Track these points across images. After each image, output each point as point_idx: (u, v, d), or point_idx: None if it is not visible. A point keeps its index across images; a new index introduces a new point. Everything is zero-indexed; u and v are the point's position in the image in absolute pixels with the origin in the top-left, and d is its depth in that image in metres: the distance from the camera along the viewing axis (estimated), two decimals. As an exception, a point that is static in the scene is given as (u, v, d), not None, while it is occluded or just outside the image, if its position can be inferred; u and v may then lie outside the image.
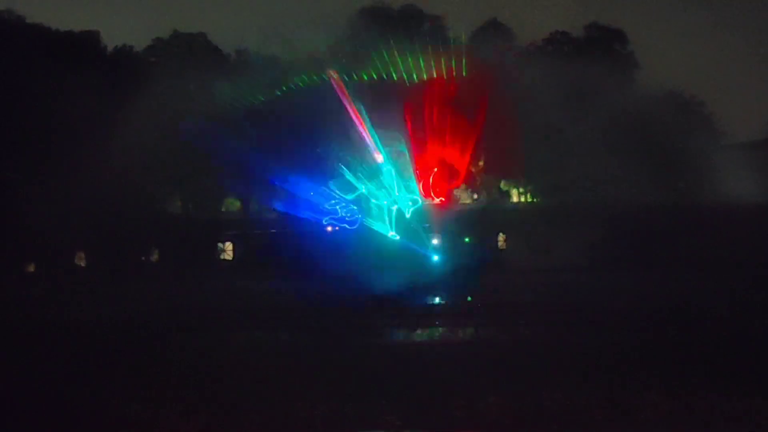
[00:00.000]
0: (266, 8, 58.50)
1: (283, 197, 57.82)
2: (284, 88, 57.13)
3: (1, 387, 19.17)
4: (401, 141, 54.79)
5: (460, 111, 56.63)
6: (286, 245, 54.76)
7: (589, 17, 65.64)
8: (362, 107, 53.59)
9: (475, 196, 63.66)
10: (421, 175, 56.51)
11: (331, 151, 54.94)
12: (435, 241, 55.80)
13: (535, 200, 64.09)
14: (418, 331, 29.80)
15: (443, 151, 57.45)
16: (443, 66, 57.28)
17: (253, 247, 59.43)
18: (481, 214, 60.01)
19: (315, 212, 55.88)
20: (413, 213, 55.68)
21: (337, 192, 55.23)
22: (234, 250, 61.59)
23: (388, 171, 55.28)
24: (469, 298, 40.68)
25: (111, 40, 62.50)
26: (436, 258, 54.90)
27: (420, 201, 55.57)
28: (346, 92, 54.38)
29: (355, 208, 55.41)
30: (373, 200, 55.61)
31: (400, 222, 55.02)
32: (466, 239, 58.72)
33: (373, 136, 53.89)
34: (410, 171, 56.26)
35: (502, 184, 64.18)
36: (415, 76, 56.92)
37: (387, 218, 55.08)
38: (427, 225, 56.13)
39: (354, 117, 53.78)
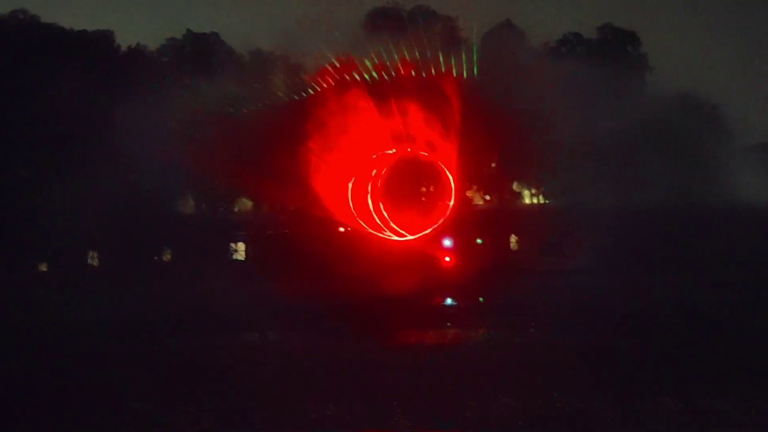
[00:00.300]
0: (279, 9, 58.41)
1: (296, 197, 57.81)
2: (296, 88, 57.12)
3: (14, 384, 19.25)
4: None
5: (472, 112, 56.48)
6: (299, 246, 54.76)
7: (603, 19, 65.32)
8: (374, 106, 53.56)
9: (488, 198, 63.49)
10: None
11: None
12: (447, 243, 55.70)
13: (547, 202, 63.86)
14: (430, 332, 29.78)
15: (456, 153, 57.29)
16: (455, 67, 57.18)
17: (265, 247, 59.40)
18: (493, 215, 59.85)
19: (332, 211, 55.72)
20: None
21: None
22: (246, 250, 61.59)
23: None
24: (481, 299, 40.62)
25: (124, 40, 62.60)
26: (448, 259, 54.81)
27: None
28: (359, 92, 54.36)
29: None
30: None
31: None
32: (479, 240, 58.59)
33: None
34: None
35: (515, 186, 63.99)
36: (426, 78, 56.81)
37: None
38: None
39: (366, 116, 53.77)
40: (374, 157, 54.99)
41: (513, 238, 60.86)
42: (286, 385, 18.98)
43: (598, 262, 53.21)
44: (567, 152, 56.12)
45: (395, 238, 52.76)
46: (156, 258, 59.45)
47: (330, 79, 56.33)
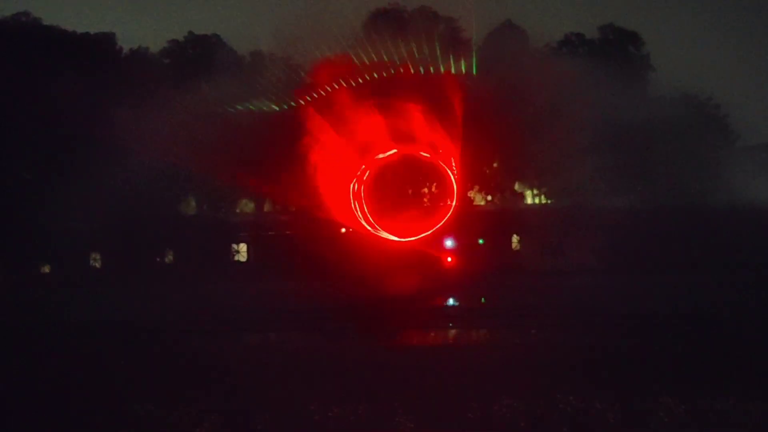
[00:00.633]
0: (280, 10, 58.51)
1: (298, 198, 57.85)
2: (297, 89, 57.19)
3: (16, 385, 19.29)
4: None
5: (474, 113, 56.49)
6: (301, 247, 54.81)
7: (604, 19, 65.34)
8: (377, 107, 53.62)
9: (489, 198, 63.50)
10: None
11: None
12: (449, 243, 55.72)
13: (549, 202, 63.85)
14: (432, 333, 29.81)
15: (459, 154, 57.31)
16: (457, 68, 57.22)
17: (267, 248, 59.46)
18: (495, 215, 59.85)
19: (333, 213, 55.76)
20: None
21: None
22: (248, 251, 61.68)
23: None
24: (483, 300, 40.65)
25: (126, 42, 62.71)
26: (449, 259, 54.85)
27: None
28: (361, 92, 54.50)
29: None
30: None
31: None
32: (480, 241, 58.61)
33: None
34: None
35: (517, 186, 64.00)
36: (428, 78, 56.85)
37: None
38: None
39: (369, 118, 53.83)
40: (379, 157, 55.07)
41: (515, 239, 60.92)
42: (288, 386, 19.01)
43: (600, 262, 53.28)
44: (569, 152, 56.12)
45: (396, 239, 52.76)
46: (158, 259, 59.53)
47: (331, 80, 56.40)
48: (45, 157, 54.58)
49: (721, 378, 18.89)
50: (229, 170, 57.67)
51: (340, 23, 58.19)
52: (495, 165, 62.14)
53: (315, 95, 56.42)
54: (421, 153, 55.07)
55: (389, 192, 56.34)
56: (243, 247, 61.49)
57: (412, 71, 56.50)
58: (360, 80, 55.77)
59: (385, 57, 56.23)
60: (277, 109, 56.91)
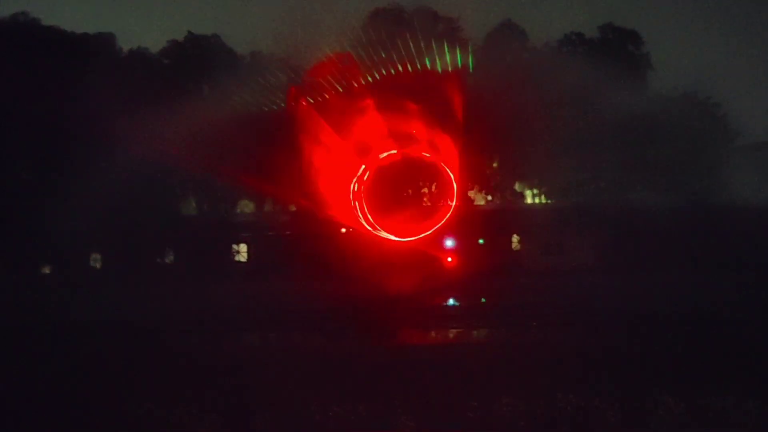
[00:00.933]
0: (280, 10, 58.37)
1: (298, 198, 57.88)
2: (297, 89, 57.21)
3: (17, 387, 19.29)
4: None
5: (474, 112, 56.49)
6: (301, 247, 54.85)
7: (604, 18, 65.29)
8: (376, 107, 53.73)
9: (489, 198, 63.53)
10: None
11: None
12: (449, 243, 55.74)
13: (549, 201, 63.87)
14: (432, 333, 29.81)
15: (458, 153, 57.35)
16: (456, 67, 57.22)
17: (267, 248, 59.49)
18: (495, 215, 59.87)
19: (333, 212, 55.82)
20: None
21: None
22: (249, 251, 61.68)
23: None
24: (483, 300, 40.65)
25: (126, 43, 62.68)
26: (450, 259, 54.86)
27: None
28: (360, 92, 54.58)
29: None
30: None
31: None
32: (480, 240, 58.61)
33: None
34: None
35: (517, 185, 64.02)
36: (428, 78, 56.87)
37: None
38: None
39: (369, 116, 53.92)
40: (379, 157, 55.13)
41: (515, 238, 60.91)
42: (288, 386, 19.00)
43: (600, 261, 53.28)
44: (569, 151, 56.13)
45: (396, 239, 52.79)
46: (158, 260, 59.53)
47: (331, 80, 56.44)
48: (44, 157, 54.58)
49: (720, 377, 18.88)
50: (229, 170, 57.72)
51: (339, 23, 58.24)
52: (495, 165, 62.21)
53: (315, 95, 56.46)
54: (422, 153, 55.15)
55: (389, 192, 56.35)
56: (243, 248, 61.51)
57: (411, 71, 56.54)
58: (360, 80, 55.83)
59: (385, 56, 56.28)
60: (276, 108, 56.91)
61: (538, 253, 58.34)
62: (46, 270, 57.14)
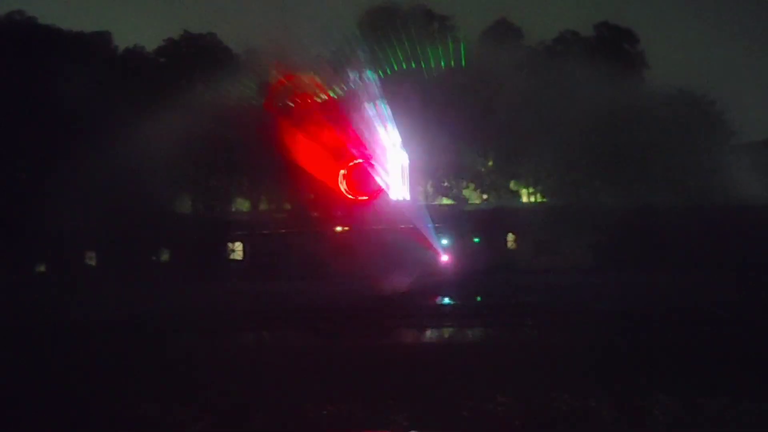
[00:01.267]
0: (275, 9, 58.45)
1: (293, 196, 57.96)
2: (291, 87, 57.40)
3: (11, 387, 19.27)
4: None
5: (468, 111, 56.60)
6: (296, 245, 54.90)
7: (599, 17, 65.50)
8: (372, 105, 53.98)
9: (485, 197, 63.60)
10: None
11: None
12: (444, 241, 55.82)
13: (545, 200, 63.96)
14: (427, 332, 29.81)
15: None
16: (451, 66, 57.33)
17: (262, 247, 59.52)
18: (490, 214, 59.91)
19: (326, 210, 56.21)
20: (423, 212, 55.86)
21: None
22: (244, 250, 61.68)
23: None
24: (478, 299, 40.67)
25: (122, 41, 62.70)
26: (445, 258, 54.92)
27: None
28: (356, 91, 54.79)
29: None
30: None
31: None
32: (476, 239, 58.68)
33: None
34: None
35: (512, 184, 64.08)
36: (423, 76, 56.99)
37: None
38: (437, 225, 56.19)
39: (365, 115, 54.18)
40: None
41: (510, 237, 61.00)
42: (282, 385, 19.01)
43: (596, 260, 53.37)
44: (564, 150, 56.23)
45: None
46: (153, 258, 59.54)
47: (325, 78, 56.54)
48: (40, 155, 54.53)
49: (717, 376, 18.92)
50: (224, 168, 57.77)
51: (334, 21, 58.29)
52: (490, 164, 62.30)
53: (308, 93, 56.63)
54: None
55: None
56: (238, 246, 61.52)
57: (403, 68, 56.84)
58: (355, 78, 56.02)
59: (379, 54, 56.39)
60: (271, 106, 56.99)
61: (533, 251, 58.42)
62: (42, 268, 57.11)
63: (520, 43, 62.80)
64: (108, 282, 48.42)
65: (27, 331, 29.34)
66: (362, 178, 57.87)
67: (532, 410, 16.27)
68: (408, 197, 58.69)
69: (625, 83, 56.91)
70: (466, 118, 55.78)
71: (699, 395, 16.71)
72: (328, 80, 57.49)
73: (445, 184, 62.75)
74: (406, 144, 57.10)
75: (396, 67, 57.11)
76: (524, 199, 64.95)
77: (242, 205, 65.68)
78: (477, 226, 58.60)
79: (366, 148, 56.87)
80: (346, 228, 57.33)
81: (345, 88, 57.14)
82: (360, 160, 57.33)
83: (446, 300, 40.74)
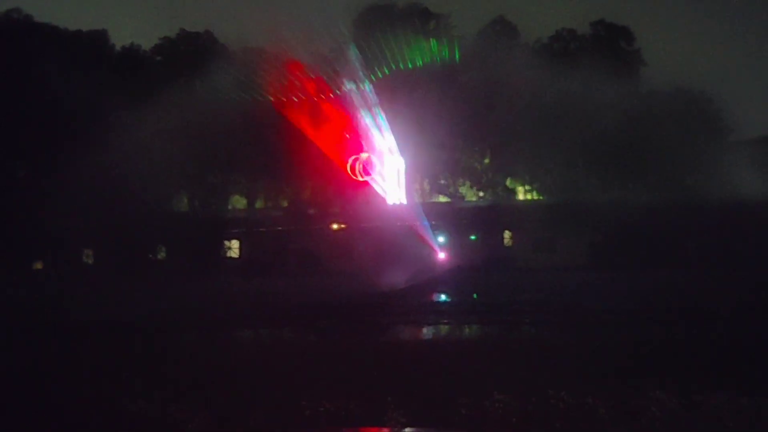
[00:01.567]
0: (271, 7, 58.50)
1: (290, 194, 57.94)
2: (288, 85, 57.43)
3: (6, 386, 19.23)
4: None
5: (465, 108, 56.61)
6: (293, 243, 54.90)
7: (596, 15, 65.50)
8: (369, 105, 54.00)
9: (481, 194, 63.65)
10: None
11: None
12: (441, 239, 55.84)
13: (541, 198, 64.01)
14: (424, 329, 29.82)
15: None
16: (448, 64, 57.33)
17: (259, 244, 59.57)
18: (487, 211, 59.97)
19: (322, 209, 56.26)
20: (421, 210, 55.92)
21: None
22: (240, 247, 61.68)
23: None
24: (474, 296, 40.71)
25: (119, 40, 62.74)
26: (442, 255, 54.95)
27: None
28: (352, 89, 54.85)
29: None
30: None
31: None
32: (472, 237, 58.72)
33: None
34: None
35: (509, 182, 64.13)
36: (420, 74, 57.00)
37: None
38: (434, 222, 56.24)
39: (361, 114, 54.20)
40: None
41: (507, 234, 61.08)
42: (279, 382, 18.98)
43: (592, 258, 53.41)
44: (561, 148, 56.30)
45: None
46: (150, 256, 59.58)
47: (322, 77, 56.59)
48: (36, 154, 54.51)
49: (714, 373, 18.93)
50: (220, 166, 57.74)
51: (331, 20, 58.27)
52: (486, 161, 62.35)
53: (306, 91, 56.64)
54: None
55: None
56: (235, 244, 61.55)
57: (400, 66, 56.89)
58: (352, 77, 56.06)
59: (377, 52, 56.42)
60: (268, 105, 57.00)
61: (530, 249, 58.50)
62: (39, 266, 57.12)
63: (517, 42, 62.86)
64: (105, 280, 48.42)
65: (24, 330, 29.31)
66: (362, 170, 58.30)
67: (530, 407, 16.26)
68: (404, 201, 58.84)
69: (622, 81, 56.98)
70: (462, 116, 55.79)
71: (697, 393, 16.73)
72: (324, 78, 57.49)
73: (442, 181, 62.84)
74: (402, 142, 57.17)
75: (393, 65, 57.13)
76: (520, 197, 65.00)
77: (239, 202, 65.72)
78: (473, 223, 58.65)
79: (362, 146, 56.95)
80: (343, 226, 57.33)
81: (341, 86, 57.15)
82: (356, 156, 57.52)
83: (443, 297, 40.78)
